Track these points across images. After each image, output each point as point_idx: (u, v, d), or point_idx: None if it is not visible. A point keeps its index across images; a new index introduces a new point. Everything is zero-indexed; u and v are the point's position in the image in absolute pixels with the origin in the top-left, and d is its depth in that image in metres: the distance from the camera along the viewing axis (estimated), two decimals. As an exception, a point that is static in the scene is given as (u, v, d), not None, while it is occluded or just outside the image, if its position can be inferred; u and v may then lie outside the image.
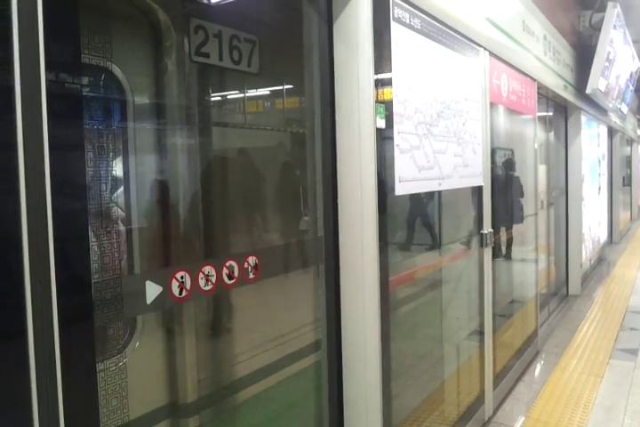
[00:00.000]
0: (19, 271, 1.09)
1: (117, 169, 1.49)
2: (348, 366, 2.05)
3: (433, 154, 2.52)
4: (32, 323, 1.09)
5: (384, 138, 2.18)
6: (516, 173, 4.40)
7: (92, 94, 1.46)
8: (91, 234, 1.29)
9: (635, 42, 7.97)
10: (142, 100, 1.73)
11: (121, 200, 1.52)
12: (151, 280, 1.37)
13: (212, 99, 2.05)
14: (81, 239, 1.24)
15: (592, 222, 7.48)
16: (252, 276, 1.69)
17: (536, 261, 4.62)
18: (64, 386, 1.12)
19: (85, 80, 1.37)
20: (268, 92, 2.33)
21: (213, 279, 1.55)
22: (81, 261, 1.24)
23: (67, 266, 1.17)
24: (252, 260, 1.69)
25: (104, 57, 1.46)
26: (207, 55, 1.85)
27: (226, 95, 2.16)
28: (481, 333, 3.22)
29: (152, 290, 1.37)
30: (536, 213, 4.63)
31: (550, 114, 5.99)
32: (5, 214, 1.12)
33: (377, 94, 2.12)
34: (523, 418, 3.32)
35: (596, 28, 6.13)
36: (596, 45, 5.97)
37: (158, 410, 1.66)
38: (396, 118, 2.21)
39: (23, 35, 1.09)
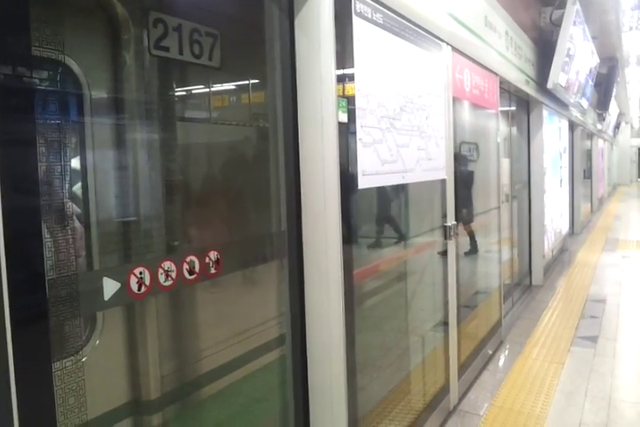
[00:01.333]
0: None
1: (73, 164, 1.46)
2: (312, 360, 2.06)
3: (396, 147, 2.54)
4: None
5: (347, 132, 2.19)
6: (470, 168, 4.41)
7: (46, 88, 1.43)
8: (44, 231, 1.27)
9: (594, 38, 8.16)
10: (99, 94, 1.69)
11: (77, 196, 1.49)
12: (108, 277, 1.35)
13: (173, 93, 2.02)
14: (34, 236, 1.21)
15: (554, 214, 7.66)
16: (213, 271, 1.68)
17: (499, 252, 4.72)
18: (18, 387, 1.10)
19: (38, 74, 1.33)
20: (233, 87, 2.31)
21: (173, 275, 1.53)
22: (34, 258, 1.21)
23: (19, 264, 1.14)
24: (213, 255, 1.68)
25: (58, 50, 1.43)
26: (167, 49, 1.82)
27: (187, 90, 2.14)
28: (445, 324, 3.28)
29: (110, 286, 1.35)
30: (498, 207, 4.71)
31: (513, 108, 6.09)
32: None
33: (339, 88, 2.13)
34: (487, 405, 3.40)
35: (557, 25, 6.25)
36: (556, 41, 6.08)
37: (120, 408, 1.64)
38: (358, 112, 2.22)
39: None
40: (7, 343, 1.09)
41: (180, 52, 1.85)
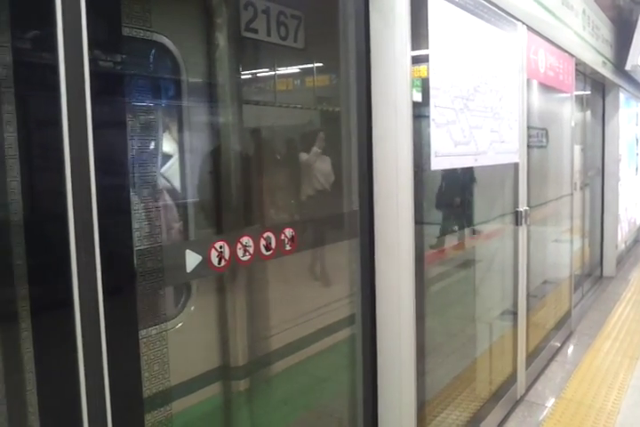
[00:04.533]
0: (65, 241, 1.11)
1: (165, 143, 1.52)
2: (382, 341, 2.06)
3: (469, 129, 2.48)
4: (77, 290, 1.12)
5: (420, 112, 2.15)
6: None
7: (144, 71, 1.49)
8: (133, 205, 1.31)
9: (678, 16, 7.66)
10: (195, 76, 1.74)
11: (168, 173, 1.54)
12: (191, 249, 1.39)
13: (261, 75, 2.06)
14: (123, 211, 1.26)
15: (628, 203, 7.30)
16: (288, 247, 1.70)
17: (570, 241, 4.54)
18: (108, 350, 1.16)
19: (137, 55, 1.39)
20: (312, 68, 2.32)
21: (251, 250, 1.56)
22: (123, 230, 1.26)
23: (110, 236, 1.19)
24: (288, 232, 1.70)
25: (158, 32, 1.49)
26: (256, 31, 1.85)
27: (274, 71, 2.16)
28: (514, 312, 3.20)
29: (192, 259, 1.39)
30: (571, 194, 4.53)
31: (587, 92, 5.82)
32: (52, 188, 1.14)
33: (414, 68, 2.09)
34: (555, 398, 3.30)
35: (637, 2, 5.91)
36: (637, 20, 5.75)
37: (212, 371, 1.72)
38: (432, 92, 2.17)
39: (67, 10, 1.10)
40: (99, 309, 1.14)
41: (268, 34, 1.87)
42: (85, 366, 1.13)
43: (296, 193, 2.10)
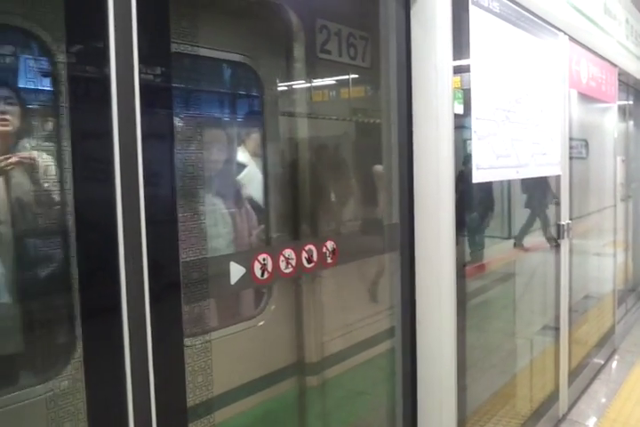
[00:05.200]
0: (114, 248, 1.14)
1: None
2: (422, 354, 2.03)
3: (510, 141, 2.44)
4: (125, 296, 1.14)
5: (461, 124, 2.13)
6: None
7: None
8: (179, 217, 1.34)
9: None
10: (273, 93, 1.86)
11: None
12: (235, 262, 1.40)
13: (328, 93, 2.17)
14: (170, 222, 1.28)
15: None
16: (329, 260, 1.70)
17: (613, 255, 4.42)
18: (154, 355, 1.17)
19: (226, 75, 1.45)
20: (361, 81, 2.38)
21: (293, 262, 1.56)
22: (170, 241, 1.28)
23: (157, 246, 1.21)
24: (330, 244, 1.70)
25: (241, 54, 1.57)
26: (329, 52, 2.00)
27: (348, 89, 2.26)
28: (555, 328, 3.12)
29: (236, 271, 1.40)
30: (614, 206, 4.42)
31: (630, 102, 5.68)
32: (103, 197, 1.17)
33: (455, 80, 2.08)
34: (598, 417, 3.20)
35: (683, 10, 5.75)
36: (682, 28, 5.60)
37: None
38: (473, 104, 2.15)
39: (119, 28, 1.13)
40: (146, 316, 1.16)
41: (340, 55, 2.02)
42: (132, 367, 1.14)
43: (346, 205, 2.14)
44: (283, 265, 1.53)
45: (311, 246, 1.63)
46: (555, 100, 2.99)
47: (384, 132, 2.12)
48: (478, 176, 2.16)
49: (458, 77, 2.16)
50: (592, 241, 4.27)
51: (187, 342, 1.33)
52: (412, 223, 1.99)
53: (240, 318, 1.78)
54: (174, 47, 1.34)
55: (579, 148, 4.16)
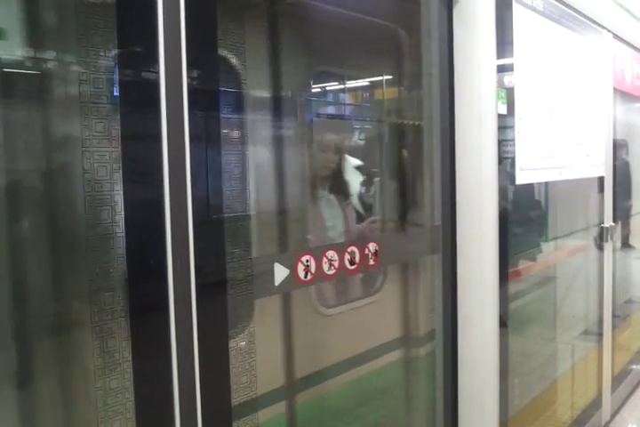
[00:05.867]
0: (162, 251, 1.15)
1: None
2: (463, 359, 2.00)
3: (554, 141, 2.39)
4: (173, 295, 1.15)
5: (505, 124, 2.09)
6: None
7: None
8: (224, 218, 1.34)
9: None
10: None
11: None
12: (279, 262, 1.40)
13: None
14: (217, 223, 1.29)
15: None
16: (372, 262, 1.69)
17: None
18: (200, 353, 1.18)
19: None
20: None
21: (336, 264, 1.56)
22: (216, 243, 1.29)
23: (203, 248, 1.22)
24: (372, 246, 1.69)
25: None
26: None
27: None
28: (599, 333, 3.04)
29: (280, 272, 1.40)
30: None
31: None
32: (151, 200, 1.19)
33: (498, 79, 2.04)
34: (643, 426, 3.11)
35: None
36: None
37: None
38: (517, 104, 2.11)
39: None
40: (192, 315, 1.16)
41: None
42: (179, 367, 1.15)
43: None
44: (326, 267, 1.52)
45: (353, 248, 1.62)
46: (598, 99, 2.92)
47: (426, 134, 2.10)
48: (522, 177, 2.12)
49: (501, 76, 2.13)
50: (635, 243, 4.15)
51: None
52: (454, 225, 1.97)
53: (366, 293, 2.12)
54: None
55: (619, 147, 4.05)
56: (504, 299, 2.04)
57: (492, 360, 1.95)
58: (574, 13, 2.66)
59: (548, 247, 2.92)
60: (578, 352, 3.06)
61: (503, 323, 2.09)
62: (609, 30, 3.06)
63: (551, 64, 2.41)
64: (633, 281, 4.16)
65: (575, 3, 2.63)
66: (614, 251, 3.16)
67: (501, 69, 2.08)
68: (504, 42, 2.10)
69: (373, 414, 2.00)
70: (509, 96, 2.13)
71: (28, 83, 1.24)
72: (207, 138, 1.31)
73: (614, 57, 3.14)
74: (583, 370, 3.03)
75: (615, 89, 3.15)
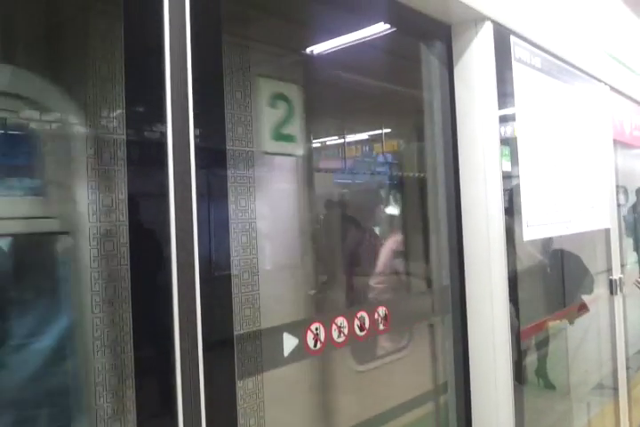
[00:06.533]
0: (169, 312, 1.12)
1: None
2: (477, 417, 1.92)
3: (559, 196, 2.39)
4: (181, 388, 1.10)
5: (509, 180, 2.10)
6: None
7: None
8: (234, 284, 1.32)
9: None
10: None
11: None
12: (288, 332, 1.37)
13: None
14: (225, 297, 1.26)
15: None
16: (381, 327, 1.65)
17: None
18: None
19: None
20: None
21: (346, 331, 1.52)
22: (224, 314, 1.26)
23: (211, 320, 1.19)
24: (381, 310, 1.65)
25: None
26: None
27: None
28: (614, 387, 2.95)
29: (289, 342, 1.36)
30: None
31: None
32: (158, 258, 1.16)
33: (500, 135, 2.06)
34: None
35: None
36: None
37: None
38: (520, 159, 2.12)
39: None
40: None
41: None
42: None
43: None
44: (335, 334, 1.48)
45: (363, 313, 1.58)
46: (600, 151, 2.94)
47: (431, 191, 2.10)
48: (529, 233, 2.11)
49: (513, 131, 2.15)
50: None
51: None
52: (462, 285, 1.93)
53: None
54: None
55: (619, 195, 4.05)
56: (518, 360, 1.98)
57: (508, 421, 1.88)
58: (571, 68, 2.71)
59: (559, 301, 2.88)
60: (594, 409, 2.96)
61: (517, 380, 2.02)
62: (606, 83, 3.12)
63: (552, 118, 2.44)
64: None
65: (571, 58, 2.68)
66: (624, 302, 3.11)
67: (504, 125, 2.11)
68: (505, 99, 2.13)
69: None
70: (512, 151, 2.14)
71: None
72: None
73: (613, 109, 3.19)
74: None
75: (615, 140, 3.18)
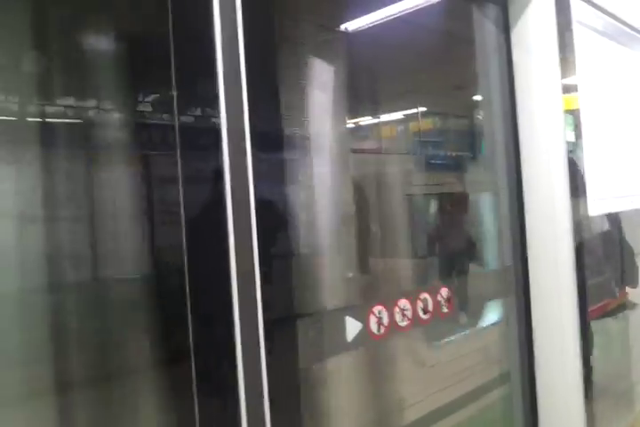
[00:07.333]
0: (228, 306, 1.06)
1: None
2: (543, 401, 1.83)
3: (624, 169, 2.24)
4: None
5: (574, 152, 1.97)
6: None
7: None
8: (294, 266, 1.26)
9: None
10: None
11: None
12: (351, 316, 1.29)
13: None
14: (285, 279, 1.20)
15: None
16: (445, 310, 1.56)
17: None
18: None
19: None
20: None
21: (409, 314, 1.43)
22: (285, 298, 1.19)
23: (272, 305, 1.13)
24: (444, 292, 1.56)
25: None
26: None
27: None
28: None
29: (352, 327, 1.29)
30: None
31: None
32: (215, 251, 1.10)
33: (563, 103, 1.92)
34: None
35: None
36: None
37: None
38: (584, 129, 1.98)
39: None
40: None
41: None
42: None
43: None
44: (398, 317, 1.40)
45: (426, 295, 1.49)
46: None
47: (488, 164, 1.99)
48: (594, 208, 1.97)
49: (576, 98, 2.01)
50: None
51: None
52: (525, 265, 1.82)
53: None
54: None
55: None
56: (585, 341, 1.87)
57: (578, 409, 1.78)
58: (633, 32, 2.53)
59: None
60: None
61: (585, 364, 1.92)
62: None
63: (615, 85, 2.28)
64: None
65: (635, 22, 2.49)
66: None
67: (566, 93, 1.96)
68: (567, 64, 1.98)
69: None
70: (576, 121, 2.00)
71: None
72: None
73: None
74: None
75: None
